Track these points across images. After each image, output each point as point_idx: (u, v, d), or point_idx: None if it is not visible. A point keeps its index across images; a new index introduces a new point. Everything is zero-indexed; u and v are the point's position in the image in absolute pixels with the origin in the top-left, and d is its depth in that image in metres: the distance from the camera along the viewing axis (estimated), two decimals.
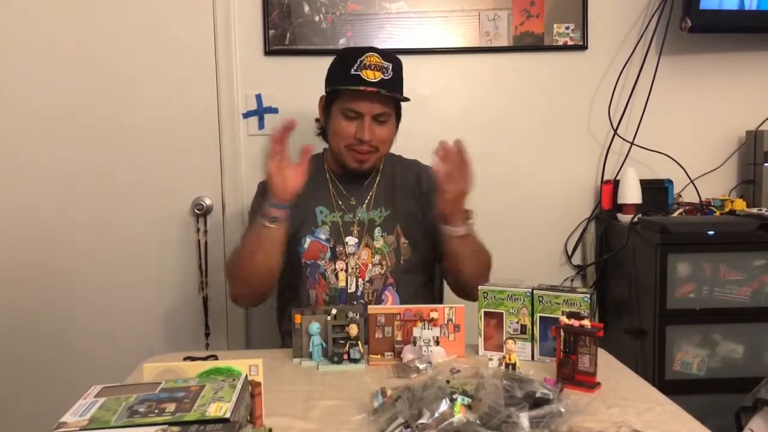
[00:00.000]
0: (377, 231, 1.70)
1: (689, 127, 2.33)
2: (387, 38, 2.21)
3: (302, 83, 2.23)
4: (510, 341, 1.26)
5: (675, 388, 1.66)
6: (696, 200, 2.25)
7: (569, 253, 2.34)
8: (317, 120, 1.81)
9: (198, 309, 2.27)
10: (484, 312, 1.44)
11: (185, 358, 1.36)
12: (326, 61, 2.18)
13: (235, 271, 1.63)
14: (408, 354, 1.39)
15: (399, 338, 1.43)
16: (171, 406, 0.90)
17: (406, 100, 1.68)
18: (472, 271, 1.62)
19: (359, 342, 1.39)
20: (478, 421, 0.98)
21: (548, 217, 2.33)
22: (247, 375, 1.03)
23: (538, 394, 1.05)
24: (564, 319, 1.27)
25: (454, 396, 1.03)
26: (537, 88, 2.30)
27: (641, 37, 2.27)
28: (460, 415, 0.99)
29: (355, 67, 1.60)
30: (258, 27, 2.21)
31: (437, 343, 1.40)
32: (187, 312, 2.28)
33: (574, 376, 1.24)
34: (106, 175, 2.22)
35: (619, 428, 1.06)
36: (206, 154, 2.24)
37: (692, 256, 1.91)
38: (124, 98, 2.21)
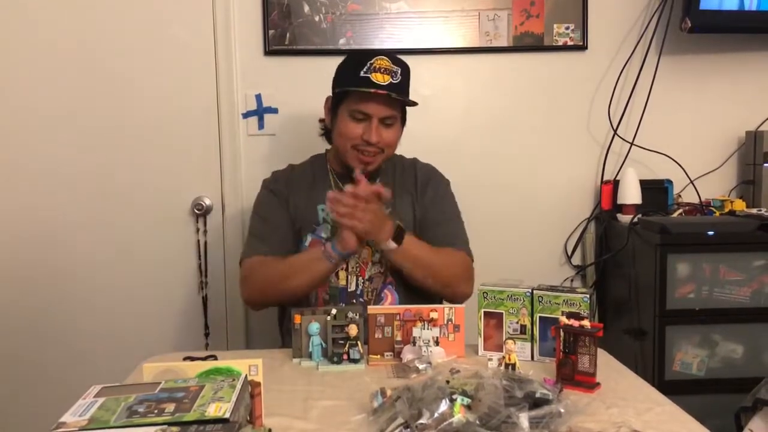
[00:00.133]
0: None
1: (689, 127, 2.33)
2: (387, 38, 2.21)
3: (302, 83, 2.23)
4: (510, 341, 1.26)
5: (674, 388, 1.66)
6: (696, 200, 2.25)
7: (569, 254, 2.34)
8: (321, 120, 1.81)
9: (197, 309, 2.27)
10: (484, 312, 1.44)
11: (185, 358, 1.36)
12: (326, 61, 2.18)
13: (267, 280, 1.66)
14: (408, 354, 1.39)
15: (399, 338, 1.43)
16: (170, 406, 0.90)
17: (414, 104, 1.69)
18: (423, 279, 1.63)
19: (359, 342, 1.39)
20: (477, 422, 0.98)
21: (548, 217, 2.33)
22: (246, 375, 1.03)
23: (537, 395, 1.05)
24: (564, 320, 1.27)
25: (454, 396, 1.03)
26: (537, 89, 2.30)
27: (641, 37, 2.27)
28: (459, 416, 0.99)
29: (365, 70, 1.61)
30: (258, 27, 2.21)
31: (437, 343, 1.40)
32: (186, 312, 2.28)
33: (573, 376, 1.24)
34: (106, 175, 2.22)
35: (619, 428, 1.06)
36: (206, 154, 2.24)
37: (692, 257, 1.91)
38: (124, 98, 2.21)
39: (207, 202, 2.25)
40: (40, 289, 2.24)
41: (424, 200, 1.75)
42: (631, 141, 2.28)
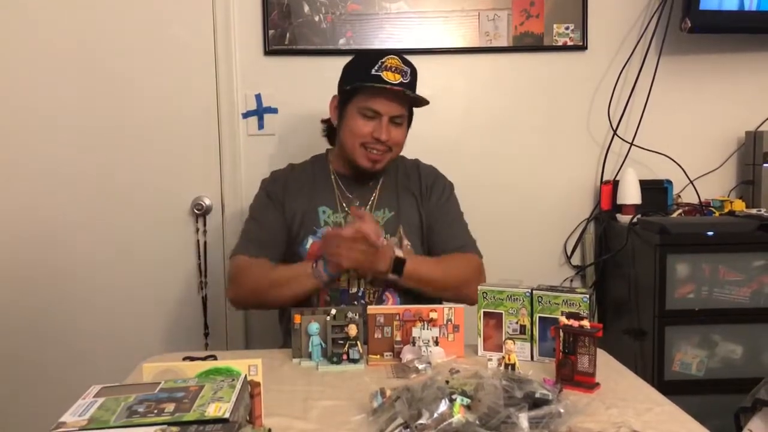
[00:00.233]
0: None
1: (689, 127, 2.33)
2: (387, 38, 2.21)
3: (302, 83, 2.23)
4: (509, 341, 1.26)
5: (674, 388, 1.66)
6: (695, 201, 2.26)
7: (568, 254, 2.34)
8: (323, 121, 1.81)
9: (197, 309, 2.27)
10: (484, 312, 1.44)
11: (184, 358, 1.36)
12: (326, 61, 2.20)
13: (254, 286, 1.66)
14: (407, 354, 1.39)
15: (398, 338, 1.43)
16: (170, 406, 0.90)
17: (426, 102, 1.69)
18: (435, 293, 1.65)
19: (358, 342, 1.39)
20: (477, 422, 0.98)
21: (547, 217, 2.33)
22: (246, 375, 1.03)
23: (537, 395, 1.05)
24: (563, 320, 1.27)
25: (454, 396, 1.03)
26: (537, 89, 2.30)
27: (641, 37, 2.27)
28: (459, 416, 0.99)
29: (376, 68, 1.61)
30: (258, 27, 2.21)
31: (436, 343, 1.40)
32: (186, 312, 2.28)
33: (573, 376, 1.24)
34: (106, 175, 2.22)
35: (618, 429, 1.06)
36: (206, 154, 2.24)
37: (691, 257, 1.91)
38: (124, 98, 2.21)
39: (207, 202, 2.25)
40: (40, 289, 2.24)
41: (429, 204, 1.75)
42: (630, 141, 2.28)
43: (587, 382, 1.24)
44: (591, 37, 2.27)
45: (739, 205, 2.19)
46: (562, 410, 1.04)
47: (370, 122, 1.65)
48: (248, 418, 0.98)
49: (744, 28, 2.23)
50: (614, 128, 2.29)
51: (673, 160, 2.28)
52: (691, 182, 2.28)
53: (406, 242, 1.70)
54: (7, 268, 2.23)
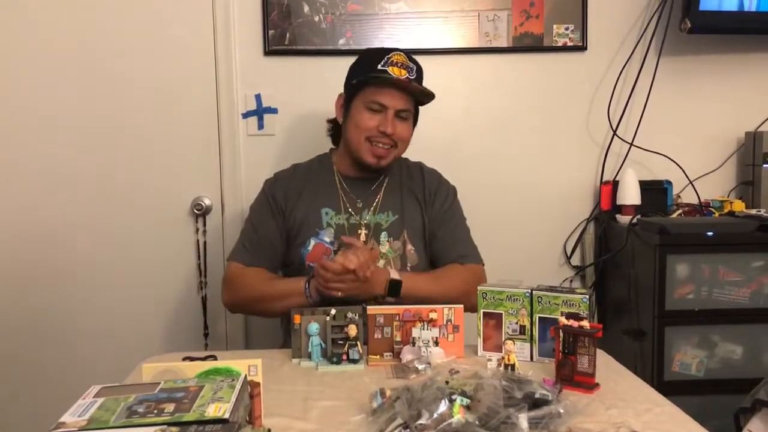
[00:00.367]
0: (383, 235, 1.70)
1: (688, 128, 2.33)
2: (386, 38, 2.21)
3: (302, 83, 2.23)
4: (509, 342, 1.26)
5: (674, 389, 1.67)
6: (695, 201, 2.26)
7: (568, 254, 2.34)
8: (329, 121, 1.81)
9: (197, 309, 2.27)
10: (483, 312, 1.44)
11: (184, 359, 1.36)
12: (326, 62, 2.20)
13: (246, 297, 1.69)
14: (407, 354, 1.39)
15: (398, 339, 1.43)
16: (170, 407, 0.90)
17: (433, 96, 1.69)
18: (436, 302, 1.62)
19: (358, 342, 1.39)
20: (476, 422, 0.98)
21: (547, 217, 2.33)
22: (246, 375, 1.03)
23: (537, 395, 1.05)
24: (563, 320, 1.27)
25: (453, 397, 1.03)
26: (536, 89, 2.30)
27: (641, 38, 2.27)
28: (459, 416, 0.99)
29: (382, 63, 1.63)
30: (258, 27, 2.21)
31: (436, 343, 1.40)
32: (186, 312, 2.28)
33: (573, 376, 1.24)
34: (106, 175, 2.22)
35: (618, 429, 1.07)
36: (206, 154, 2.24)
37: (691, 257, 1.91)
38: (124, 98, 2.21)
39: (206, 202, 2.25)
40: (40, 289, 2.24)
41: (433, 210, 1.75)
42: (630, 141, 2.28)
43: (587, 383, 1.24)
44: (591, 37, 2.27)
45: (738, 206, 2.19)
46: (561, 411, 1.04)
47: (376, 116, 1.65)
48: (248, 418, 0.98)
49: (744, 28, 2.23)
50: (614, 128, 2.29)
51: (672, 160, 2.28)
52: (691, 183, 2.28)
53: (409, 247, 1.70)
54: (7, 268, 2.23)
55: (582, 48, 2.27)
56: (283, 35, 2.21)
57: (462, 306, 1.44)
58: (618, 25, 2.29)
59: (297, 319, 1.42)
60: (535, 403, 1.04)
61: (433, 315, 1.41)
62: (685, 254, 1.91)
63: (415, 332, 1.39)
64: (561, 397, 1.09)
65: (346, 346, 1.39)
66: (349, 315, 1.40)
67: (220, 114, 2.23)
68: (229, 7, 2.20)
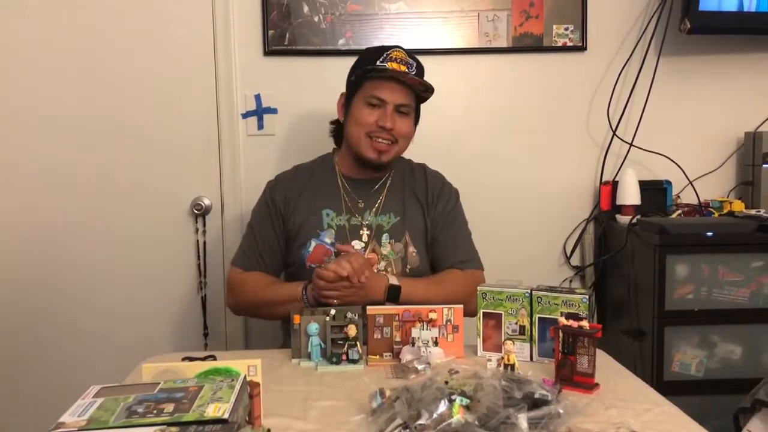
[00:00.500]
0: (385, 237, 1.70)
1: (688, 128, 2.33)
2: (386, 39, 2.21)
3: (301, 83, 2.23)
4: (509, 342, 1.26)
5: (673, 389, 1.67)
6: (695, 201, 2.26)
7: (568, 254, 2.34)
8: (332, 123, 1.81)
9: (197, 309, 2.27)
10: (483, 313, 1.44)
11: (184, 359, 1.36)
12: (325, 62, 2.20)
13: (249, 302, 1.73)
14: (407, 355, 1.39)
15: (398, 339, 1.43)
16: (169, 407, 0.90)
17: (432, 90, 1.69)
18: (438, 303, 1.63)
19: (358, 342, 1.39)
20: (476, 422, 0.98)
21: (547, 217, 2.33)
22: (245, 375, 1.03)
23: (536, 395, 1.05)
24: (562, 320, 1.27)
25: (453, 397, 1.03)
26: (536, 89, 2.30)
27: (640, 38, 2.27)
28: (458, 416, 0.99)
29: (381, 59, 1.64)
30: (257, 27, 2.21)
31: (436, 343, 1.40)
32: (185, 312, 2.28)
33: (572, 377, 1.24)
34: (105, 175, 2.22)
35: (618, 429, 1.07)
36: (205, 154, 2.24)
37: (691, 258, 1.91)
38: (124, 98, 2.21)
39: (206, 202, 2.25)
40: (40, 289, 2.24)
41: (435, 213, 1.75)
42: (630, 142, 2.29)
43: (586, 383, 1.24)
44: (590, 37, 2.27)
45: (738, 206, 2.19)
46: (561, 411, 1.04)
47: (376, 111, 1.65)
48: (247, 418, 0.98)
49: (743, 29, 2.23)
50: (614, 129, 2.29)
51: (672, 160, 2.28)
52: (691, 183, 2.28)
53: (411, 249, 1.70)
54: (7, 268, 2.23)
55: (582, 48, 2.27)
56: (283, 35, 2.21)
57: (462, 306, 1.44)
58: (618, 25, 2.29)
59: (297, 319, 1.42)
60: (534, 404, 1.04)
61: (432, 315, 1.41)
62: (685, 254, 1.91)
63: (415, 332, 1.39)
64: (560, 398, 1.09)
65: (346, 346, 1.39)
66: (349, 315, 1.40)
67: (220, 114, 2.23)
68: (228, 7, 2.20)
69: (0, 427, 2.24)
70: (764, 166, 2.22)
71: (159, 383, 0.99)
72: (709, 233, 1.92)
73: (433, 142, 2.17)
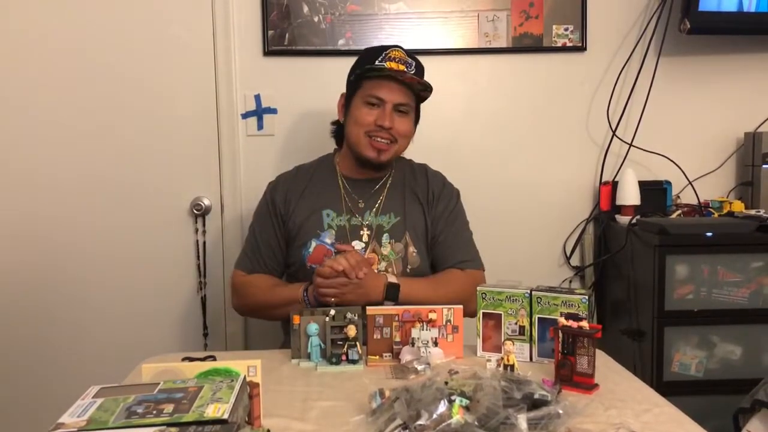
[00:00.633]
0: (385, 237, 1.70)
1: (688, 128, 2.33)
2: (386, 39, 2.21)
3: (301, 84, 2.23)
4: (508, 342, 1.26)
5: (673, 389, 1.67)
6: (694, 202, 2.26)
7: (568, 254, 2.34)
8: (333, 123, 1.81)
9: (196, 309, 2.27)
10: (483, 313, 1.44)
11: (184, 359, 1.36)
12: (325, 62, 2.20)
13: (252, 304, 1.75)
14: (406, 355, 1.39)
15: (397, 339, 1.43)
16: (169, 407, 0.90)
17: (431, 89, 1.69)
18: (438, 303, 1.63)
19: (357, 343, 1.39)
20: (476, 423, 0.98)
21: (547, 218, 2.33)
22: (245, 376, 1.03)
23: (536, 396, 1.05)
24: (562, 321, 1.27)
25: (453, 397, 1.03)
26: (536, 89, 2.30)
27: (640, 38, 2.27)
28: (458, 417, 0.99)
29: (380, 59, 1.65)
30: (257, 27, 2.21)
31: (435, 344, 1.40)
32: (185, 312, 2.28)
33: (572, 377, 1.24)
34: (105, 175, 2.22)
35: (617, 430, 1.07)
36: (205, 154, 2.24)
37: (690, 258, 1.91)
38: (124, 98, 2.21)
39: (206, 202, 2.25)
40: (40, 289, 2.24)
41: (436, 213, 1.75)
42: (630, 142, 2.29)
43: (586, 383, 1.24)
44: (590, 38, 2.27)
45: (738, 206, 2.19)
46: (560, 411, 1.04)
47: (374, 110, 1.66)
48: (247, 418, 0.98)
49: (743, 29, 2.23)
50: (613, 129, 2.29)
51: (672, 161, 2.28)
52: (690, 183, 2.28)
53: (411, 249, 1.70)
54: (7, 268, 2.23)
55: (581, 48, 2.27)
56: (283, 35, 2.21)
57: (461, 306, 1.44)
58: (617, 25, 2.29)
59: (296, 319, 1.42)
60: (534, 404, 1.04)
61: (432, 315, 1.41)
62: (685, 255, 1.92)
63: (415, 333, 1.39)
64: (560, 398, 1.09)
65: (346, 346, 1.39)
66: (349, 315, 1.40)
67: (220, 114, 2.23)
68: (228, 7, 2.20)
69: (0, 427, 2.24)
70: (764, 166, 2.22)
71: (159, 383, 0.99)
72: (709, 233, 1.93)
73: (433, 142, 2.17)
